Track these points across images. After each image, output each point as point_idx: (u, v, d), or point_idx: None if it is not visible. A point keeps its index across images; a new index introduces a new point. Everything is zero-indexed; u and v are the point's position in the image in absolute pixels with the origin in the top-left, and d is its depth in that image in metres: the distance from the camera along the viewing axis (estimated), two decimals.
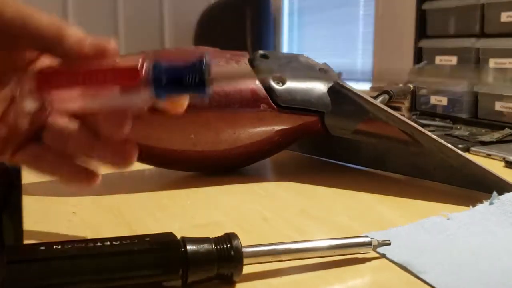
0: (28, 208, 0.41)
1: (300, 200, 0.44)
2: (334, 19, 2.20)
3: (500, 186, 0.41)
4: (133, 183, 0.50)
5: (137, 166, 0.54)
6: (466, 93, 0.82)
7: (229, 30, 2.30)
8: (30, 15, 0.27)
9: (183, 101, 0.30)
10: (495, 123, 0.76)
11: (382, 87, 0.92)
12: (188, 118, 0.46)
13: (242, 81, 0.49)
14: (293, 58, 0.54)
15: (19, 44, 0.28)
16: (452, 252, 0.31)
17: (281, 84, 0.50)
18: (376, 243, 0.31)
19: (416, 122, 0.59)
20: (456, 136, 0.70)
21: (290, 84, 0.50)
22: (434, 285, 0.27)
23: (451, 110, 0.85)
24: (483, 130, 0.74)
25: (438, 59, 0.87)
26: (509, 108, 0.75)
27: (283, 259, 0.29)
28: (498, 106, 0.77)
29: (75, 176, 0.31)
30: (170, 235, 0.27)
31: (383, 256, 0.31)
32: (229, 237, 0.27)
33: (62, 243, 0.25)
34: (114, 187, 0.46)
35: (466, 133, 0.72)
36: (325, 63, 0.56)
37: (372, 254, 0.31)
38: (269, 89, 0.49)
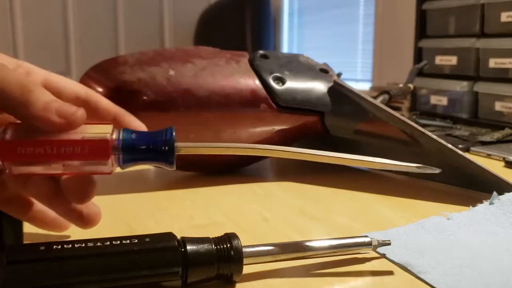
0: None
1: (300, 200, 0.44)
2: (334, 19, 2.20)
3: (500, 186, 0.41)
4: (133, 183, 0.50)
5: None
6: (466, 93, 0.82)
7: (229, 30, 2.30)
8: None
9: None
10: (495, 123, 0.76)
11: (382, 87, 0.92)
12: (188, 118, 0.46)
13: (242, 81, 0.49)
14: (293, 58, 0.54)
15: None
16: (452, 252, 0.31)
17: (281, 84, 0.50)
18: (376, 243, 0.31)
19: (416, 122, 0.60)
20: (456, 136, 0.70)
21: (290, 84, 0.50)
22: (434, 285, 0.27)
23: (451, 110, 0.85)
24: (483, 130, 0.74)
25: (438, 59, 0.87)
26: (509, 108, 0.75)
27: (283, 259, 0.29)
28: (498, 106, 0.77)
29: (41, 221, 0.31)
30: (170, 235, 0.27)
31: (383, 256, 0.31)
32: (229, 237, 0.27)
33: (62, 243, 0.25)
34: (114, 187, 0.46)
35: (466, 133, 0.72)
36: (325, 63, 0.56)
37: (372, 254, 0.31)
38: (269, 89, 0.49)
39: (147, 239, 0.26)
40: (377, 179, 0.51)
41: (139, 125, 0.32)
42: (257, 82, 0.49)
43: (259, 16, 2.32)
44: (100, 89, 0.45)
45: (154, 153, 0.27)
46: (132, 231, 0.36)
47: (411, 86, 0.69)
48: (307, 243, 0.29)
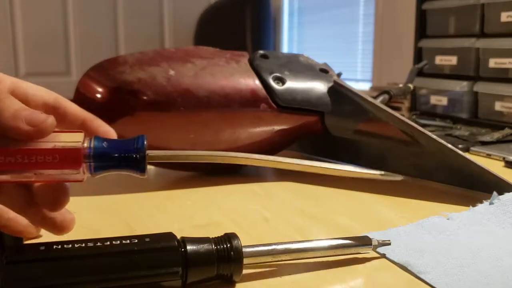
0: None
1: (300, 200, 0.44)
2: (334, 19, 2.20)
3: (500, 186, 0.41)
4: (132, 183, 0.50)
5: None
6: (466, 93, 0.82)
7: (229, 30, 2.30)
8: None
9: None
10: (495, 123, 0.76)
11: (382, 87, 0.92)
12: (188, 118, 0.46)
13: (242, 81, 0.49)
14: (293, 58, 0.54)
15: None
16: (452, 252, 0.31)
17: (281, 84, 0.50)
18: (376, 243, 0.31)
19: (416, 122, 0.60)
20: (456, 136, 0.70)
21: (290, 84, 0.50)
22: (434, 285, 0.27)
23: (451, 110, 0.85)
24: (483, 130, 0.74)
25: (438, 59, 0.87)
26: (509, 108, 0.75)
27: (283, 259, 0.29)
28: (498, 106, 0.77)
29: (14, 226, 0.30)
30: (170, 235, 0.27)
31: (383, 256, 0.31)
32: (229, 237, 0.27)
33: (62, 243, 0.25)
34: (114, 187, 0.46)
35: (466, 133, 0.72)
36: (325, 63, 0.56)
37: (372, 254, 0.31)
38: (269, 89, 0.49)
39: (147, 239, 0.26)
40: (377, 179, 0.51)
41: (108, 131, 0.31)
42: (257, 82, 0.49)
43: (259, 16, 2.32)
44: (100, 89, 0.45)
45: (126, 161, 0.28)
46: (132, 231, 0.36)
47: (411, 86, 0.69)
48: (307, 243, 0.29)
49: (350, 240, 0.30)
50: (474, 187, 0.44)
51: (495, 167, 0.55)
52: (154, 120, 0.45)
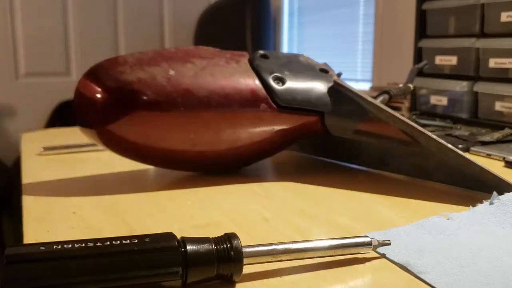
0: (28, 208, 0.41)
1: (300, 200, 0.44)
2: (334, 19, 2.20)
3: (500, 186, 0.41)
4: (133, 183, 0.50)
5: (137, 166, 0.54)
6: (466, 93, 0.82)
7: (229, 30, 2.30)
8: None
9: None
10: (495, 123, 0.76)
11: (382, 87, 0.92)
12: (188, 118, 0.46)
13: (242, 81, 0.49)
14: (293, 58, 0.54)
15: None
16: (452, 252, 0.31)
17: (281, 84, 0.50)
18: (376, 243, 0.31)
19: (416, 122, 0.60)
20: (456, 136, 0.70)
21: (290, 84, 0.50)
22: (434, 285, 0.27)
23: (451, 110, 0.85)
24: (483, 130, 0.74)
25: (438, 59, 0.87)
26: (509, 108, 0.75)
27: (283, 259, 0.29)
28: (498, 106, 0.77)
29: None
30: (170, 235, 0.27)
31: (383, 256, 0.31)
32: (229, 237, 0.27)
33: (62, 243, 0.25)
34: (114, 187, 0.46)
35: (466, 133, 0.72)
36: (325, 63, 0.56)
37: (372, 254, 0.31)
38: (269, 89, 0.49)
39: (147, 239, 0.26)
40: (377, 179, 0.51)
41: None
42: (257, 82, 0.49)
43: (259, 16, 2.32)
44: (100, 89, 0.45)
45: None
46: (132, 231, 0.36)
47: (411, 86, 0.69)
48: (307, 243, 0.29)
49: (350, 240, 0.30)
50: (474, 187, 0.44)
51: (495, 167, 0.55)
52: (154, 120, 0.45)
